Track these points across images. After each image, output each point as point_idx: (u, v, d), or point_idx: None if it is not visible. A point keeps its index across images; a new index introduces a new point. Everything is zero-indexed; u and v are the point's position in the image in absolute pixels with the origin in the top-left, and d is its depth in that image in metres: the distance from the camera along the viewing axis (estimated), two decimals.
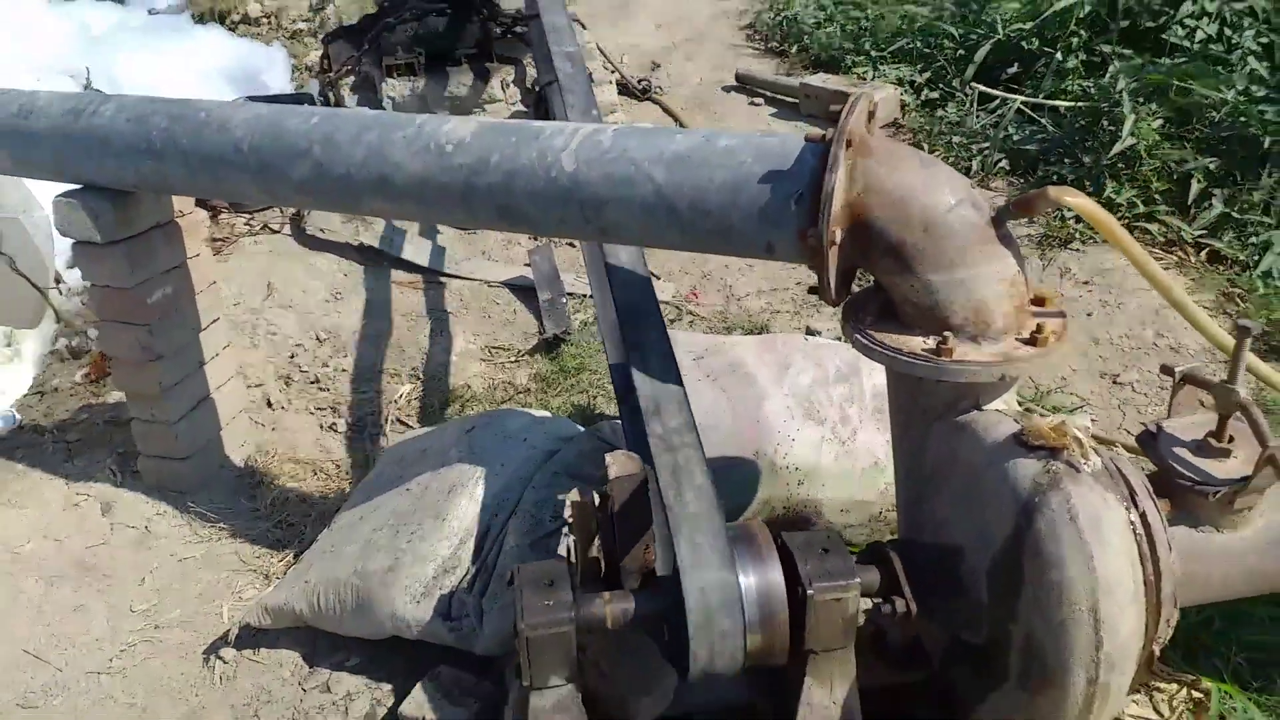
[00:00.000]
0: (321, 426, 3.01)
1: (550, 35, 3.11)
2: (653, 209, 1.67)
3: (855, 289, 1.69)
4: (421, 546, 1.98)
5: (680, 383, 1.73)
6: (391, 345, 3.32)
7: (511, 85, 4.35)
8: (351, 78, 4.48)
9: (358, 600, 1.98)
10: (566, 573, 1.49)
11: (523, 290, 3.63)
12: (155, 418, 2.54)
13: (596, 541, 1.74)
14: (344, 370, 3.20)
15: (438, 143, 1.83)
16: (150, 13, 8.58)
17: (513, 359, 3.29)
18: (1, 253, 2.66)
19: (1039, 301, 1.60)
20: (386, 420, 3.02)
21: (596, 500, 1.68)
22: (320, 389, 3.14)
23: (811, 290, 1.67)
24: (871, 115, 1.62)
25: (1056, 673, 1.31)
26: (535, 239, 3.89)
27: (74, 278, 3.84)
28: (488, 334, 3.41)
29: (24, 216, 2.73)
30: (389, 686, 2.03)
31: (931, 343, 1.50)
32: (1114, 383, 2.79)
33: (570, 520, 1.89)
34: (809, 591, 1.42)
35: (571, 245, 3.86)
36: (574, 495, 1.73)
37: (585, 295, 3.55)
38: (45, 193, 2.84)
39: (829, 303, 1.62)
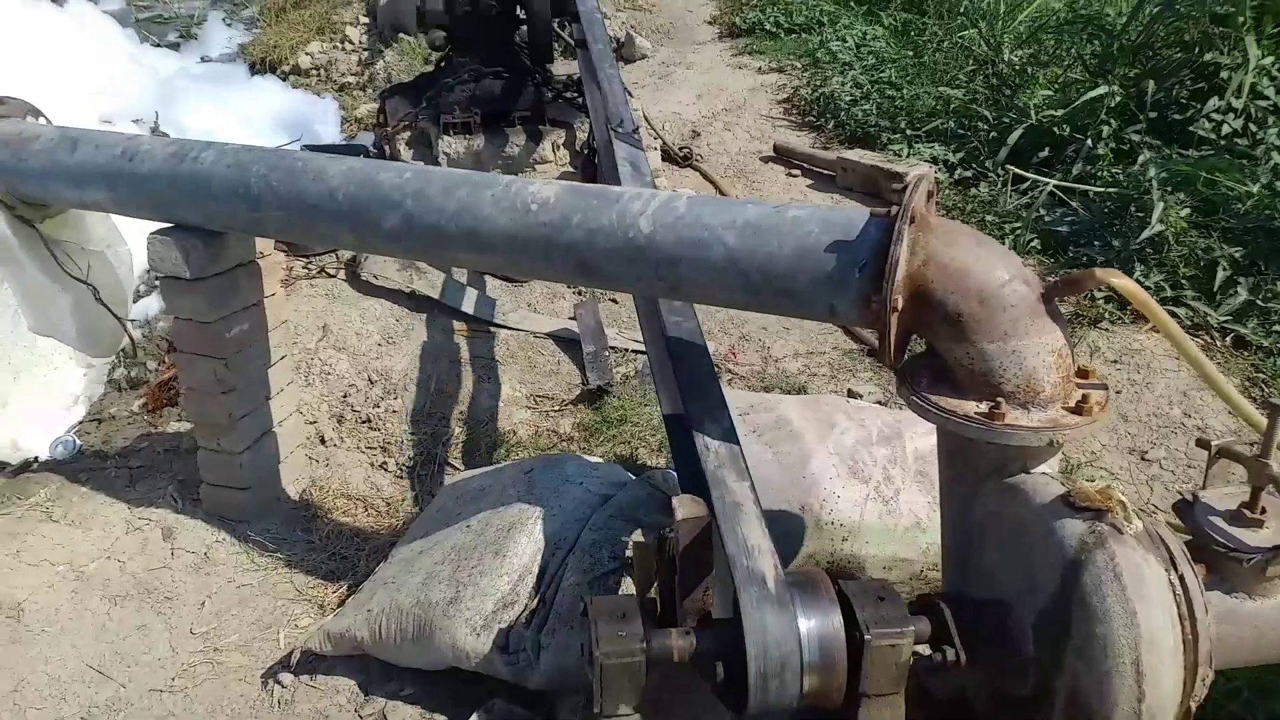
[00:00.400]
0: (372, 465, 3.12)
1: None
2: (723, 270, 1.80)
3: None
4: (482, 581, 2.07)
5: (738, 441, 1.83)
6: (441, 390, 3.44)
7: (562, 148, 4.54)
8: (408, 133, 4.68)
9: (419, 630, 2.07)
10: (637, 607, 1.58)
11: (566, 342, 3.75)
12: (221, 447, 2.65)
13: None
14: (394, 411, 3.32)
15: (524, 201, 1.97)
16: (203, 59, 8.94)
17: (556, 408, 3.41)
18: (88, 283, 2.80)
19: (1082, 374, 1.71)
20: (435, 461, 3.12)
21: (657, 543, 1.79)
22: (371, 429, 3.25)
23: (870, 353, 1.80)
24: (930, 195, 1.75)
25: None
26: (579, 294, 4.04)
27: (137, 311, 4.01)
28: (532, 383, 3.53)
29: (109, 251, 2.88)
30: (442, 718, 2.11)
31: (984, 407, 1.61)
32: (1142, 459, 2.88)
33: (630, 561, 1.99)
34: (866, 637, 1.51)
35: (614, 300, 4.00)
36: (637, 536, 1.83)
37: (627, 350, 3.68)
38: (127, 228, 3.01)
39: (887, 364, 1.73)
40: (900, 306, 1.63)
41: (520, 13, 4.67)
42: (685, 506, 1.68)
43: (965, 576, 1.77)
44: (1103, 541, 1.44)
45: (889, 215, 1.66)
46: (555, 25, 4.77)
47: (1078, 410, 1.61)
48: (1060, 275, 1.67)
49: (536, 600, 2.05)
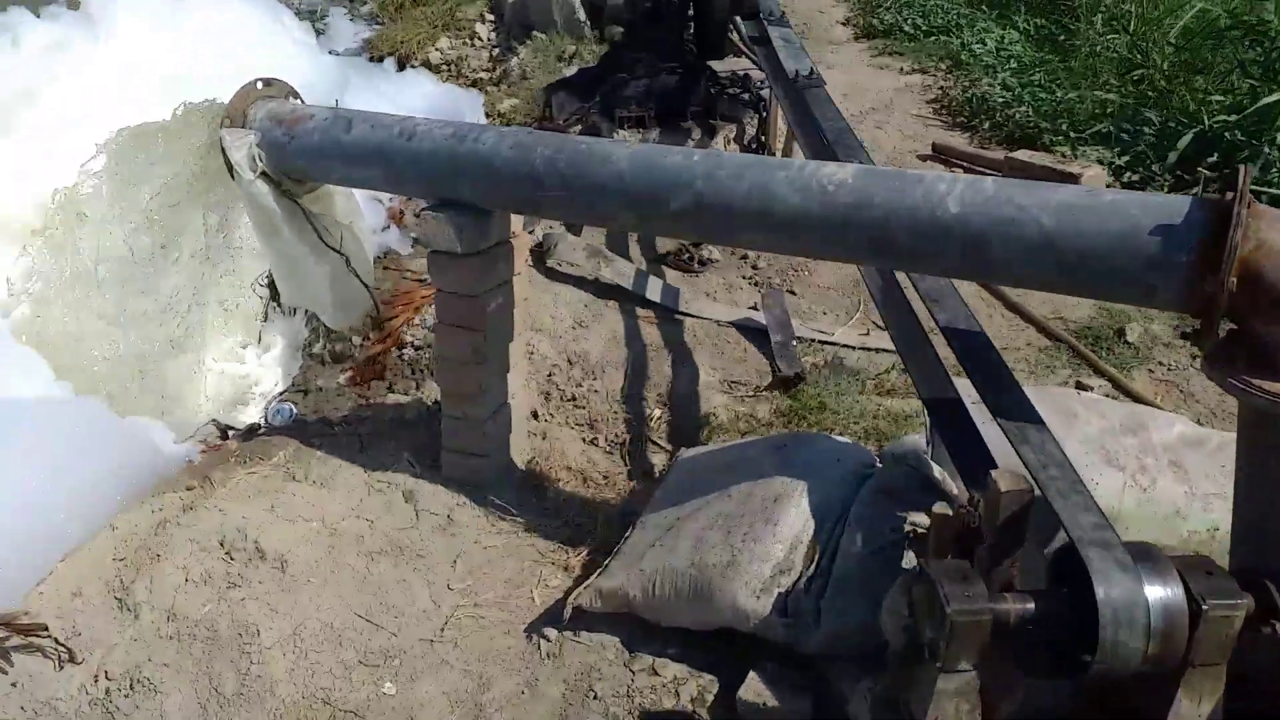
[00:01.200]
0: (584, 440, 3.24)
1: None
2: (1036, 249, 1.85)
3: None
4: (756, 547, 2.16)
5: (1045, 425, 1.88)
6: (635, 372, 3.55)
7: (732, 142, 4.63)
8: (579, 125, 4.81)
9: (695, 590, 2.16)
10: (976, 571, 1.65)
11: (749, 331, 3.83)
12: (467, 415, 2.79)
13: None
14: (596, 391, 3.43)
15: (820, 182, 2.06)
16: (331, 53, 9.20)
17: (750, 394, 3.48)
18: (341, 252, 2.96)
19: None
20: (641, 439, 3.23)
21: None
22: (577, 406, 3.37)
23: (1183, 335, 1.83)
24: None
25: None
26: (758, 286, 4.12)
27: None
28: (723, 369, 3.61)
29: (354, 223, 3.04)
30: (709, 676, 2.19)
31: None
32: None
33: (914, 533, 2.06)
34: (1204, 607, 1.55)
35: (792, 292, 4.08)
36: (939, 508, 1.89)
37: (813, 340, 3.75)
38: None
39: (1204, 348, 1.78)
40: (1232, 290, 1.68)
41: (691, 10, 4.79)
42: (1007, 480, 1.73)
43: (1267, 554, 1.80)
44: None
45: (1222, 199, 1.70)
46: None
47: None
48: None
49: (814, 568, 2.13)
